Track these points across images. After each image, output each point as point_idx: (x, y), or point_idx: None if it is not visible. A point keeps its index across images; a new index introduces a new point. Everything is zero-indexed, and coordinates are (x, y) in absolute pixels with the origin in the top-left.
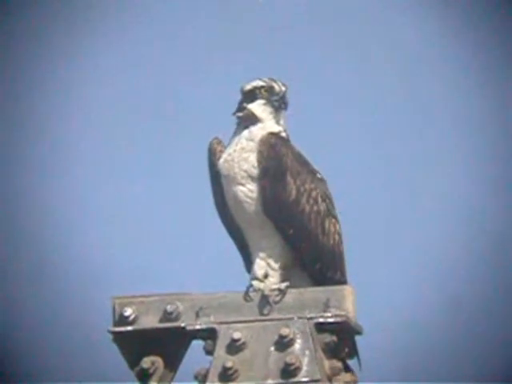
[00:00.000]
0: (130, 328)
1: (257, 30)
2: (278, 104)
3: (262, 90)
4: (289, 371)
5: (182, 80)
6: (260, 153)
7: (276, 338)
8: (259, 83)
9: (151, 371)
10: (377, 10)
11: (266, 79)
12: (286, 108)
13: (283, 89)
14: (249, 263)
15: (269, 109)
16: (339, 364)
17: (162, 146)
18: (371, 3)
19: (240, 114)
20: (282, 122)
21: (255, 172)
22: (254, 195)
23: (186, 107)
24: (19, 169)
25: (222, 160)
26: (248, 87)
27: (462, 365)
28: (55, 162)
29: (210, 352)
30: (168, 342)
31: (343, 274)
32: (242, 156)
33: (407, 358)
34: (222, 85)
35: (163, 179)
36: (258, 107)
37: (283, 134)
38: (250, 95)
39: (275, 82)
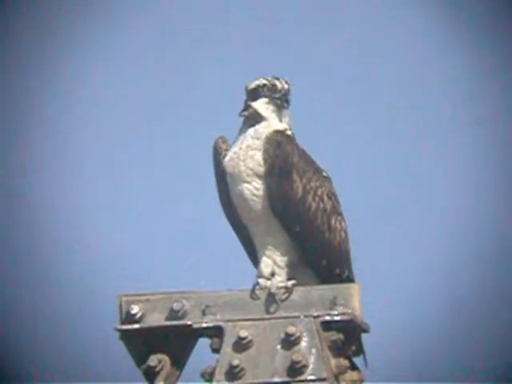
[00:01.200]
0: (136, 326)
1: (261, 28)
2: (280, 102)
3: (265, 88)
4: (295, 369)
5: (186, 79)
6: (266, 151)
7: (282, 336)
8: (262, 81)
9: (158, 369)
10: (378, 7)
11: (269, 77)
12: (287, 106)
13: (286, 86)
14: (254, 261)
15: (271, 107)
16: (346, 362)
17: (167, 145)
18: (372, 2)
19: (245, 113)
20: (286, 119)
21: (261, 170)
22: (260, 193)
23: (191, 106)
24: (20, 167)
25: (227, 158)
26: (251, 86)
27: (463, 365)
28: (57, 160)
29: (216, 350)
30: (174, 340)
31: (350, 271)
32: (247, 154)
33: (412, 356)
34: (227, 83)
35: (169, 177)
36: (261, 105)
37: (288, 132)
38: (254, 94)
39: (278, 79)
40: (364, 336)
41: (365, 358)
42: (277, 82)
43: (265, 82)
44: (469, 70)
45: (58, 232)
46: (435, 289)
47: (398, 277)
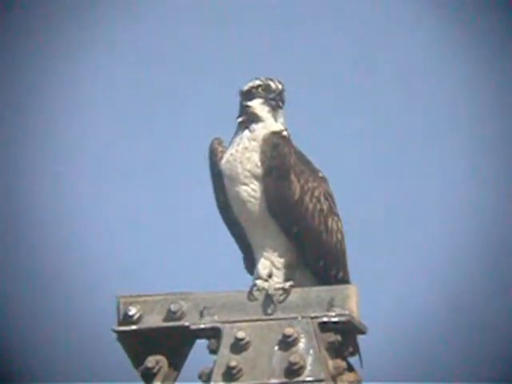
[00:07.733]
0: (134, 327)
1: (257, 29)
2: (275, 102)
3: (259, 89)
4: (293, 370)
5: (182, 80)
6: (263, 152)
7: (280, 337)
8: (256, 82)
9: (155, 370)
10: (377, 9)
11: (263, 78)
12: (282, 105)
13: (280, 87)
14: (249, 263)
15: (267, 107)
16: (343, 363)
17: (164, 146)
18: (371, 2)
19: (244, 117)
20: (281, 120)
21: (258, 171)
22: (258, 195)
23: (186, 108)
24: (20, 168)
25: (224, 160)
26: (245, 88)
27: (462, 365)
28: (57, 161)
29: (213, 351)
30: (172, 342)
31: (346, 272)
32: (244, 156)
33: (410, 357)
34: (222, 85)
35: (166, 179)
36: (256, 106)
37: (285, 133)
38: (248, 95)
39: (272, 80)
40: (361, 337)
41: (360, 359)
42: (271, 83)
43: (259, 82)
44: (469, 70)
45: (57, 233)
46: (433, 289)
47: (395, 277)
